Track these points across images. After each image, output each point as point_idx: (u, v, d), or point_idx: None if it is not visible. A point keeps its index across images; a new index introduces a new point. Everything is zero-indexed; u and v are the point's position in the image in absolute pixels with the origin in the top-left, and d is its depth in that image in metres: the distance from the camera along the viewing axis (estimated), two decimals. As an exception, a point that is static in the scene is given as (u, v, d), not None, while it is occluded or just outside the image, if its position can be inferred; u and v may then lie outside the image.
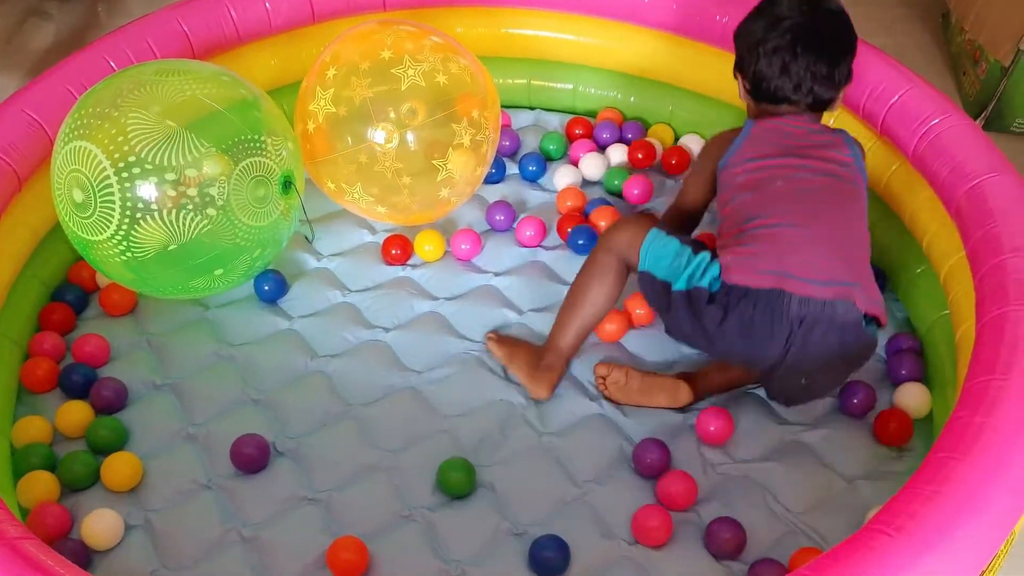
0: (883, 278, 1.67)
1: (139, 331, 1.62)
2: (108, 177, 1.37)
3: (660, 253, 1.42)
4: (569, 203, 1.83)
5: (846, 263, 1.38)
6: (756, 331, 1.35)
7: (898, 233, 1.67)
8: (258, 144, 1.45)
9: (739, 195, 1.44)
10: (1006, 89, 1.98)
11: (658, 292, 1.43)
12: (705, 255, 1.40)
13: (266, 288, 1.65)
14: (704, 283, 1.38)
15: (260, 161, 1.45)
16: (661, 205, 1.86)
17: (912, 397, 1.47)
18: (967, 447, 1.05)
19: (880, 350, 1.58)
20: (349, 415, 1.49)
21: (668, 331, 1.49)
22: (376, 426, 1.47)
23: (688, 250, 1.41)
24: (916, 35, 2.40)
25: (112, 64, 1.66)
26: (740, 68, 1.52)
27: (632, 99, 2.03)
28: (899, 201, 1.66)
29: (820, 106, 1.49)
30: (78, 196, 1.39)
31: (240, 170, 1.43)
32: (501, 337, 1.58)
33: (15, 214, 1.52)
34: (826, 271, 1.35)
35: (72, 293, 1.64)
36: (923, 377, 1.52)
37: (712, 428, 1.43)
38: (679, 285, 1.39)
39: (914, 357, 1.54)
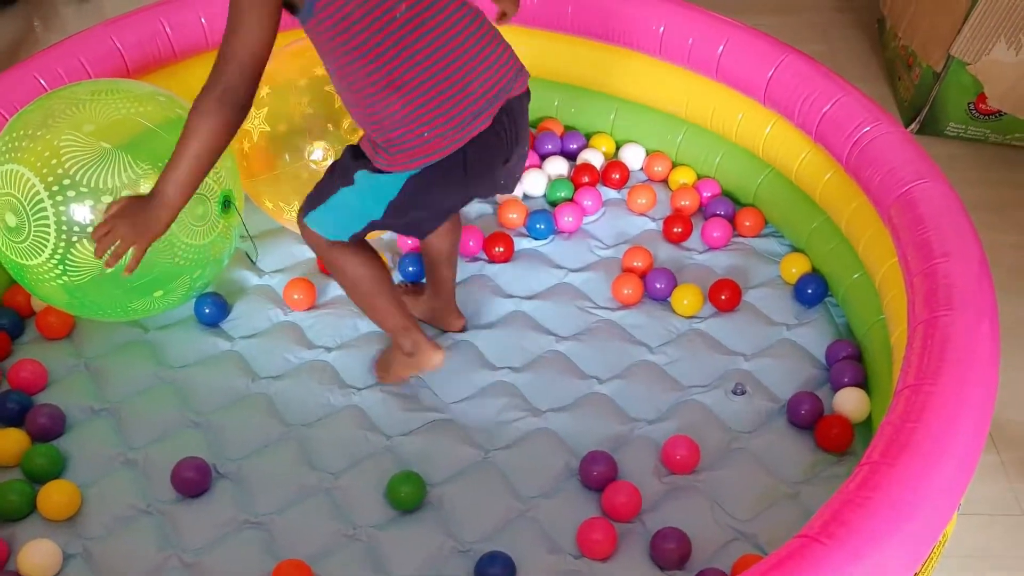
0: (823, 284, 1.70)
1: (77, 354, 1.59)
2: (42, 200, 1.35)
3: (330, 214, 1.32)
4: (512, 215, 1.83)
5: (499, 48, 1.27)
6: (493, 160, 1.30)
7: (835, 239, 1.69)
8: None
9: (355, 30, 1.15)
10: (939, 94, 2.02)
11: (381, 223, 1.32)
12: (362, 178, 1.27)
13: (207, 311, 1.63)
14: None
15: None
16: (611, 215, 1.87)
17: (851, 402, 1.49)
18: (896, 453, 1.07)
19: (820, 357, 1.61)
20: (290, 436, 1.47)
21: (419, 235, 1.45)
22: (318, 446, 1.46)
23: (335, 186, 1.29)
24: (852, 41, 2.44)
25: (43, 83, 1.64)
26: None
27: (572, 109, 2.04)
28: (834, 208, 1.68)
29: None
30: (11, 220, 1.37)
31: None
32: (379, 364, 1.57)
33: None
34: (503, 70, 1.26)
35: (7, 318, 1.61)
36: (863, 382, 1.54)
37: (679, 456, 1.42)
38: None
39: (854, 363, 1.56)
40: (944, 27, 1.94)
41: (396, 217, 1.31)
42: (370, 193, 1.28)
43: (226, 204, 1.49)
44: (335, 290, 1.71)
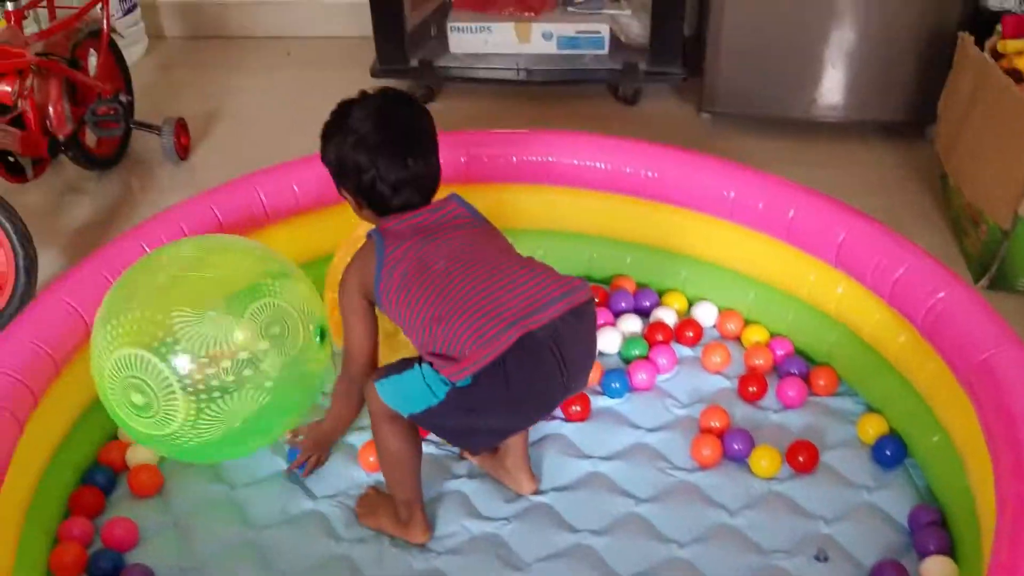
0: (902, 445, 1.69)
1: (166, 511, 1.64)
2: (170, 383, 1.42)
3: (398, 387, 1.43)
4: None
5: (546, 276, 1.40)
6: (533, 383, 1.37)
7: (912, 400, 1.69)
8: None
9: (407, 292, 1.40)
10: (1008, 251, 2.03)
11: (437, 418, 1.42)
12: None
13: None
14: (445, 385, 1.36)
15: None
16: (686, 373, 1.90)
17: (938, 572, 1.46)
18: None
19: (903, 521, 1.59)
20: (374, 599, 1.49)
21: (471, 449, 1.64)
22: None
23: (413, 364, 1.41)
24: (914, 195, 2.48)
25: (147, 248, 1.74)
26: (346, 188, 1.49)
27: (644, 267, 2.10)
28: (910, 369, 1.69)
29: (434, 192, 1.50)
30: (138, 400, 1.44)
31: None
32: (365, 503, 1.64)
33: (51, 401, 1.57)
34: (539, 295, 1.36)
35: (102, 475, 1.67)
36: (950, 550, 1.51)
37: None
38: (430, 400, 1.38)
39: (938, 529, 1.54)
40: (1010, 186, 1.97)
41: (446, 418, 1.42)
42: (433, 382, 1.37)
43: (322, 335, 1.57)
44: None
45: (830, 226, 1.76)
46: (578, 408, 1.79)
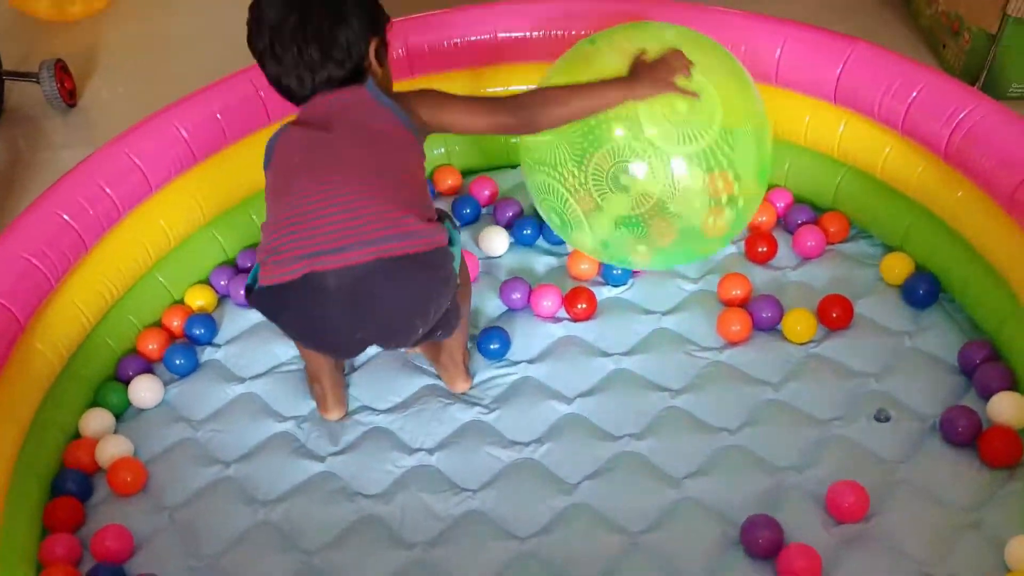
0: (934, 281, 1.58)
1: (158, 508, 1.44)
2: None
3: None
4: (584, 266, 1.70)
5: (373, 215, 1.26)
6: (312, 323, 1.31)
7: (939, 233, 1.58)
8: None
9: (268, 182, 1.36)
10: (997, 56, 1.91)
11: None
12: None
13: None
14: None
15: None
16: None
17: (1009, 409, 1.37)
18: None
19: (954, 362, 1.49)
20: (419, 558, 1.33)
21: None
22: (447, 567, 1.32)
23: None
24: (878, 14, 2.33)
25: (67, 219, 1.49)
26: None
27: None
28: (934, 201, 1.57)
29: (341, 82, 1.34)
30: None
31: None
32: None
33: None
34: (350, 233, 1.24)
35: (74, 480, 1.45)
36: (1013, 383, 1.42)
37: (847, 505, 1.29)
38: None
39: (996, 365, 1.44)
40: (994, -13, 1.83)
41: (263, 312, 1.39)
42: (254, 273, 1.36)
43: None
44: (409, 387, 1.57)
45: (828, 57, 1.59)
46: (584, 305, 1.63)
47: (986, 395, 1.41)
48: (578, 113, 1.39)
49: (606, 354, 1.58)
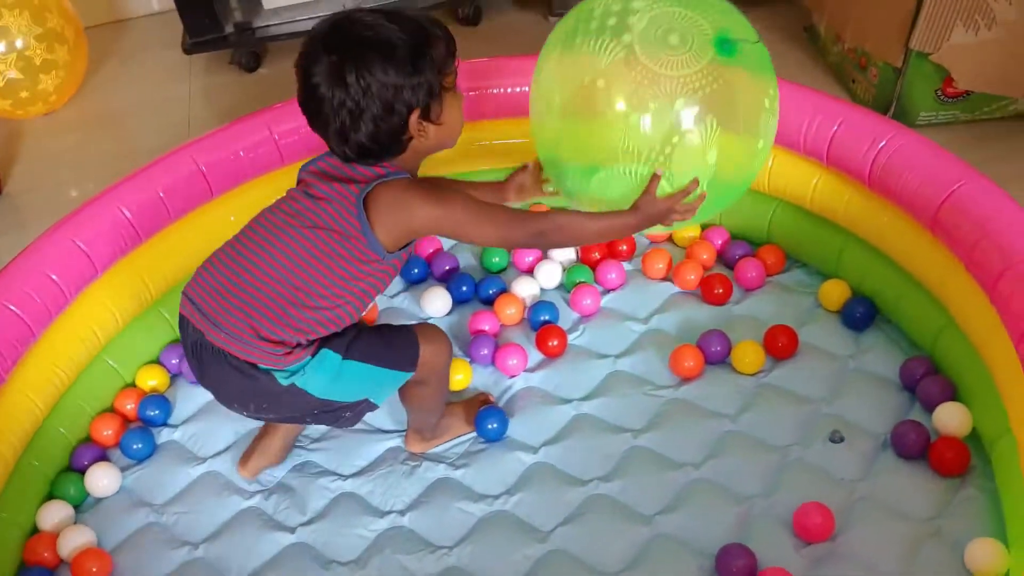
0: (870, 304, 1.65)
1: (128, 598, 1.41)
2: None
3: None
4: (510, 311, 1.75)
5: (239, 304, 1.27)
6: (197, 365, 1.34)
7: (870, 257, 1.65)
8: None
9: None
10: (903, 88, 2.02)
11: None
12: None
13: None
14: None
15: None
16: (632, 288, 1.79)
17: (954, 419, 1.43)
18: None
19: (896, 379, 1.55)
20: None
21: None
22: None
23: None
24: (787, 52, 2.45)
25: (14, 308, 1.47)
26: None
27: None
28: (863, 227, 1.64)
29: (366, 161, 1.28)
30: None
31: None
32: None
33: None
34: (219, 310, 1.27)
35: (35, 578, 1.41)
36: (954, 394, 1.49)
37: (815, 525, 1.33)
38: None
39: (936, 378, 1.51)
40: (895, 23, 1.95)
41: None
42: None
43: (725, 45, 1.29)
44: (374, 451, 1.58)
45: (751, 100, 1.67)
46: (555, 342, 1.68)
47: (930, 408, 1.48)
48: (588, 243, 1.55)
49: (566, 401, 1.61)
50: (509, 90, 1.80)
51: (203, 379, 1.34)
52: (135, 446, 1.59)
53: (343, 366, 1.30)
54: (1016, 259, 1.30)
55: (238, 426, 1.61)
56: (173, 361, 1.73)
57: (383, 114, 1.21)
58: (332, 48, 1.21)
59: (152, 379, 1.71)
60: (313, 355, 1.29)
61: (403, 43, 1.21)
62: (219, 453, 1.59)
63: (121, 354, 1.69)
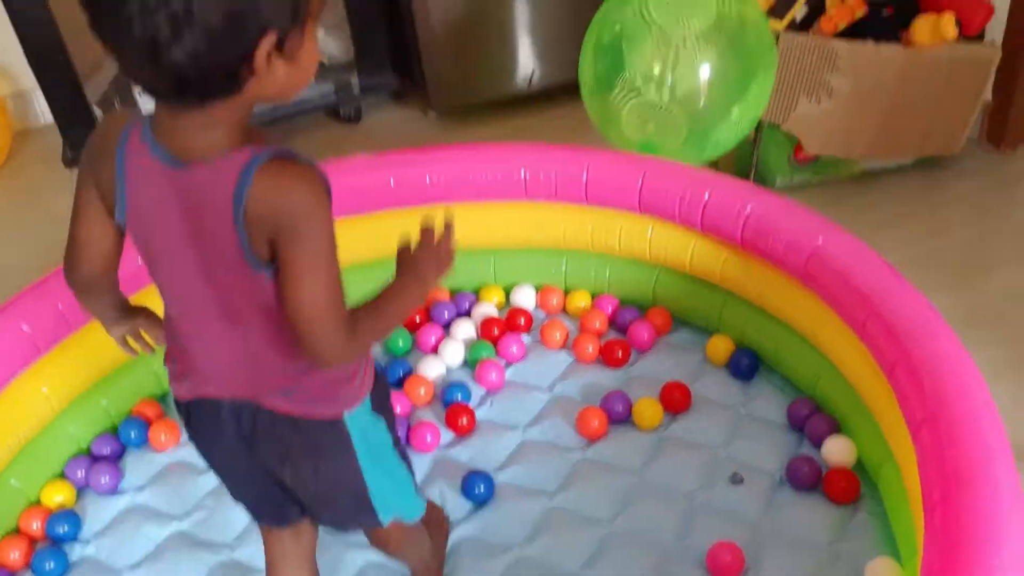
0: (752, 355, 1.78)
1: None
2: None
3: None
4: (421, 391, 1.80)
5: (253, 365, 1.04)
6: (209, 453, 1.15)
7: (749, 313, 1.79)
8: None
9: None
10: (759, 156, 2.21)
11: None
12: None
13: None
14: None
15: None
16: (533, 359, 1.88)
17: (840, 452, 1.56)
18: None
19: (784, 419, 1.68)
20: None
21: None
22: None
23: None
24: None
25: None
26: None
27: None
28: (740, 285, 1.78)
29: (184, 98, 0.87)
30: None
31: None
32: None
33: None
34: (233, 375, 1.06)
35: None
36: (838, 429, 1.62)
37: (726, 563, 1.41)
38: None
39: (820, 416, 1.64)
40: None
41: None
42: None
43: None
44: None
45: (627, 175, 1.80)
46: (465, 420, 1.73)
47: (818, 443, 1.60)
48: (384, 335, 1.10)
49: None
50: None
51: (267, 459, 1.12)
52: (47, 565, 1.55)
53: (374, 420, 1.13)
54: (878, 302, 1.44)
55: (152, 532, 1.59)
56: (79, 474, 1.70)
57: (224, 29, 0.80)
58: None
59: (58, 494, 1.67)
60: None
61: None
62: (138, 564, 1.56)
63: (24, 472, 1.65)
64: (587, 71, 1.99)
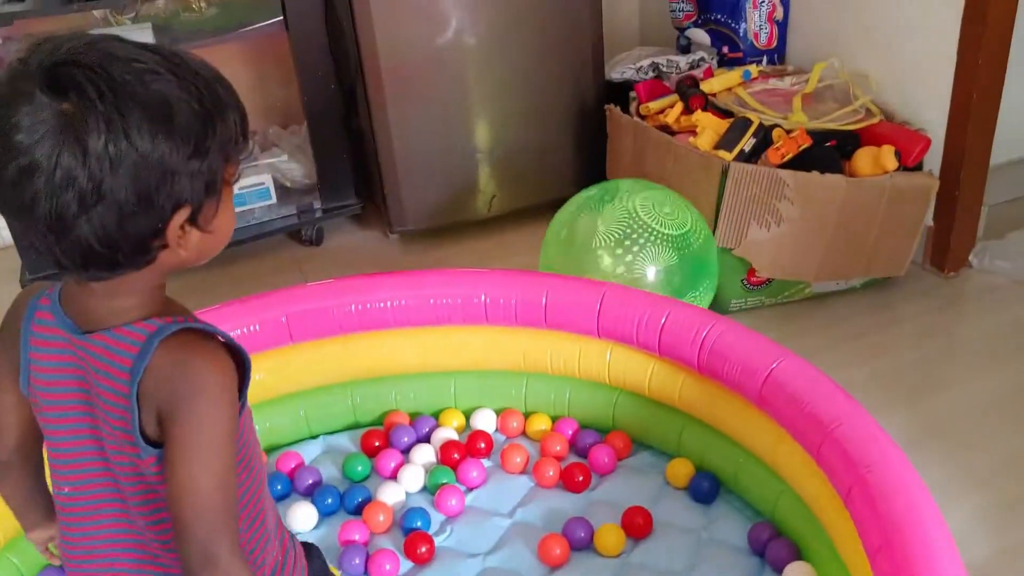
0: (713, 479, 1.79)
1: None
2: None
3: None
4: (380, 518, 1.76)
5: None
6: None
7: (707, 435, 1.81)
8: None
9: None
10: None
11: None
12: None
13: None
14: None
15: None
16: (493, 484, 1.86)
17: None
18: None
19: (745, 543, 1.67)
20: None
21: None
22: None
23: None
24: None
25: None
26: None
27: (411, 395, 2.05)
28: (698, 408, 1.80)
29: (92, 272, 0.85)
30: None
31: None
32: None
33: None
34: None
35: None
36: (799, 554, 1.62)
37: None
38: None
39: (780, 540, 1.64)
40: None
41: None
42: None
43: None
44: None
45: (586, 299, 1.84)
46: (424, 548, 1.69)
47: (779, 568, 1.60)
48: None
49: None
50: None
51: None
52: None
53: None
54: (833, 425, 1.47)
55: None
56: (22, 609, 1.63)
57: (135, 206, 0.79)
58: (63, 87, 0.75)
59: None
60: None
61: (185, 104, 0.80)
62: None
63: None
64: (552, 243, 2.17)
